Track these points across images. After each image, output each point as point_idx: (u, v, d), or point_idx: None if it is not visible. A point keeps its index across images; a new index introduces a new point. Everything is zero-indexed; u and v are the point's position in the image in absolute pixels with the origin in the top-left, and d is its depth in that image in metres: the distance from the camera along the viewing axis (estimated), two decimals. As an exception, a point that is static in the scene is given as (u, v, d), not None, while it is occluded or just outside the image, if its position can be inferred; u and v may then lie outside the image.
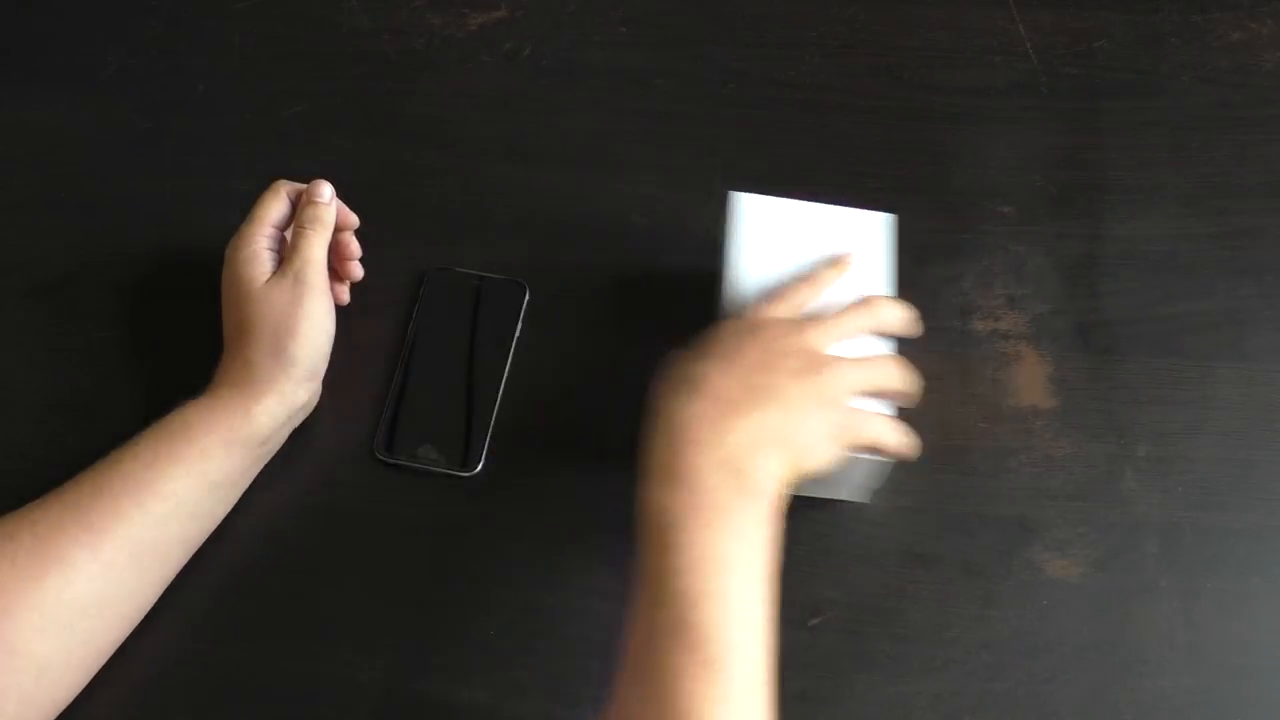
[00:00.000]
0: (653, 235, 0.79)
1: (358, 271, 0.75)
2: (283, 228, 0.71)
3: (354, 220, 0.74)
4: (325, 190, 0.71)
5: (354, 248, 0.74)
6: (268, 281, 0.68)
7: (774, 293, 0.66)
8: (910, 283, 0.78)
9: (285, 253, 0.70)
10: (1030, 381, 0.75)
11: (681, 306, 0.77)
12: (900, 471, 0.72)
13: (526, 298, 0.76)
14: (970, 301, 0.78)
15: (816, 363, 0.62)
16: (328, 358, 0.70)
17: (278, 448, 0.70)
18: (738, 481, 0.57)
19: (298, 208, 0.71)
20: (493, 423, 0.72)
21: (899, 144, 0.83)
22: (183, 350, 0.75)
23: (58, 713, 0.62)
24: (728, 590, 0.55)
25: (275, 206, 0.71)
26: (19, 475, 0.71)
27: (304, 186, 0.72)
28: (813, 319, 0.64)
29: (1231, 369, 0.76)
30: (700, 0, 0.88)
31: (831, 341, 0.64)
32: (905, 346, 0.76)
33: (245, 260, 0.68)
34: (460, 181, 0.81)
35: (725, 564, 0.55)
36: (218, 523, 0.68)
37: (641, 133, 0.83)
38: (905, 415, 0.74)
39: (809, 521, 0.70)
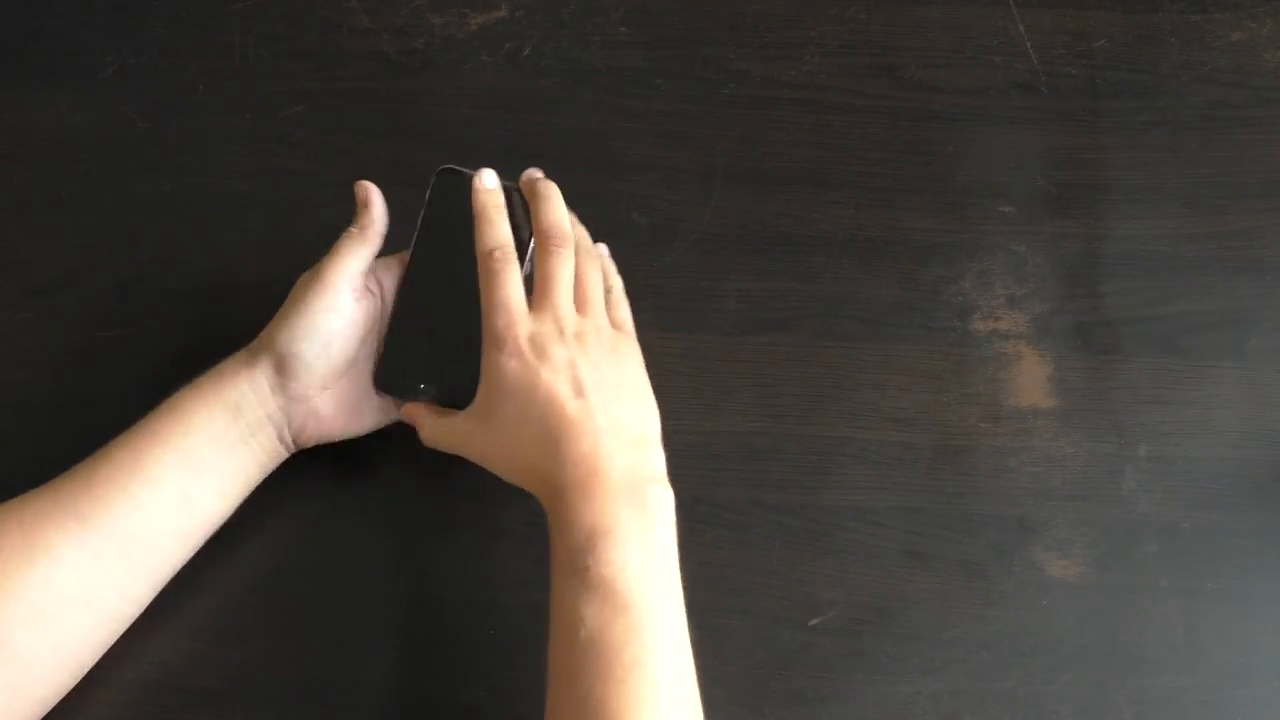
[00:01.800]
0: (653, 235, 0.79)
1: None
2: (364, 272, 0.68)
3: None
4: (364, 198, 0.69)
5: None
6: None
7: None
8: (911, 283, 0.78)
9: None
10: (1030, 381, 0.75)
11: (681, 306, 0.77)
12: (900, 471, 0.72)
13: None
14: (970, 301, 0.78)
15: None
16: (335, 370, 0.67)
17: (274, 453, 0.67)
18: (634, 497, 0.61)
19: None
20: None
21: (899, 144, 0.83)
22: (183, 350, 0.75)
23: (48, 708, 0.61)
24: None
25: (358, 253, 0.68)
26: (17, 475, 0.71)
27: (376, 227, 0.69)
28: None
29: (1231, 369, 0.76)
30: (700, 0, 0.88)
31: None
32: (906, 348, 0.76)
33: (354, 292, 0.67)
34: (460, 181, 0.81)
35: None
36: (216, 521, 0.66)
37: (641, 133, 0.83)
38: (906, 416, 0.74)
39: (809, 521, 0.70)
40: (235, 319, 0.76)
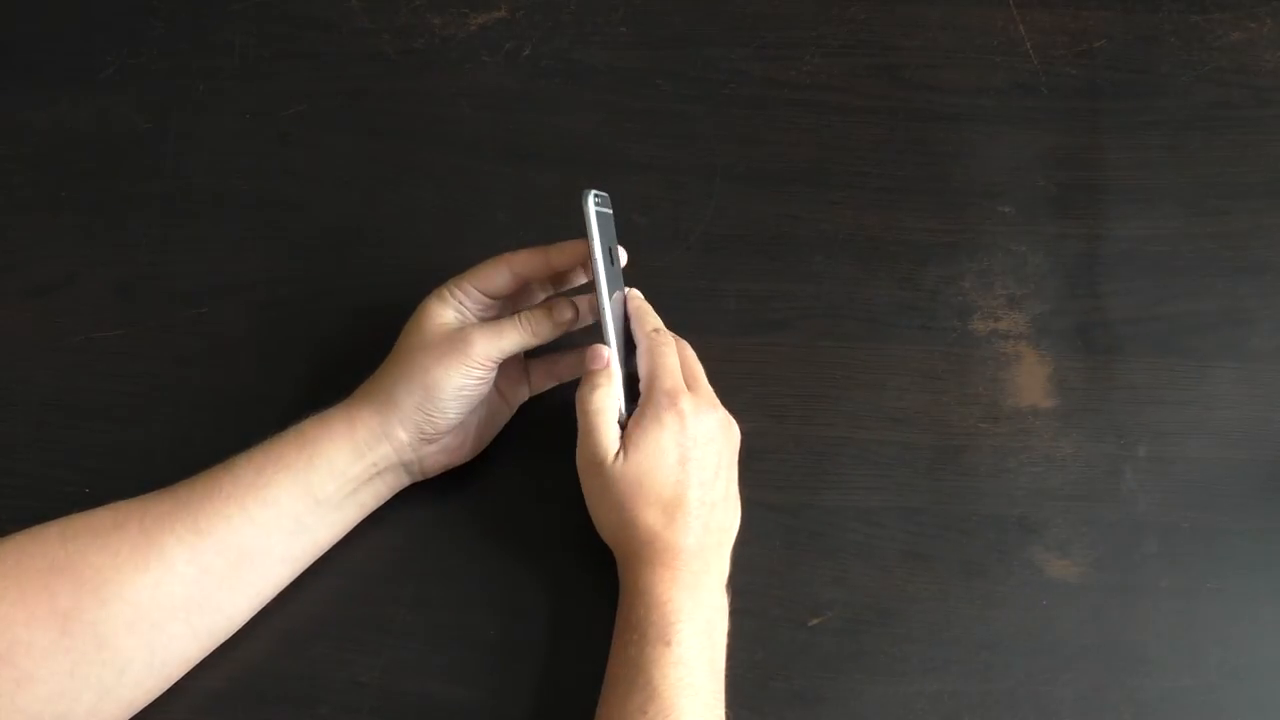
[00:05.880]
0: (653, 235, 0.79)
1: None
2: (494, 297, 0.68)
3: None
4: (567, 315, 0.68)
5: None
6: (441, 323, 0.66)
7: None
8: (911, 283, 0.78)
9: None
10: (1030, 381, 0.75)
11: (681, 306, 0.77)
12: (900, 471, 0.72)
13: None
14: (970, 301, 0.78)
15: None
16: (464, 410, 0.67)
17: (397, 487, 0.69)
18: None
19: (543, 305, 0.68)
20: None
21: (899, 144, 0.83)
22: (183, 350, 0.75)
23: (133, 713, 0.61)
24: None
25: (490, 276, 0.67)
26: (19, 475, 0.72)
27: (535, 260, 0.68)
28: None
29: (1231, 369, 0.76)
30: (700, 0, 0.88)
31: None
32: (906, 348, 0.76)
33: (433, 297, 0.67)
34: (460, 181, 0.81)
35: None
36: (325, 547, 0.67)
37: (641, 133, 0.83)
38: (906, 417, 0.74)
39: (809, 521, 0.70)
40: (235, 319, 0.76)
